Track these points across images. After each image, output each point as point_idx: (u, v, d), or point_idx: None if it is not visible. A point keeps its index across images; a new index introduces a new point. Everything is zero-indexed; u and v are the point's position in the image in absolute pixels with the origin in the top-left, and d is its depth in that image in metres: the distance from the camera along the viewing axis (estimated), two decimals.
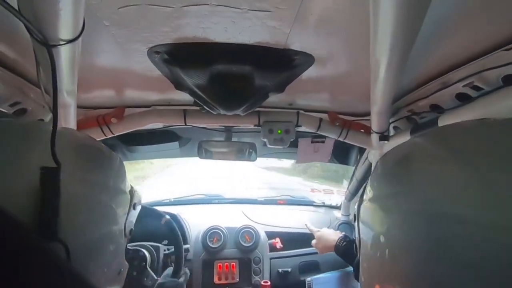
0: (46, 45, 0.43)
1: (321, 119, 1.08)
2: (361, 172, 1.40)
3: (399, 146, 0.45)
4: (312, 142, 1.30)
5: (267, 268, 1.50)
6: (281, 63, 0.69)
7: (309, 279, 1.44)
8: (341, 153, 1.48)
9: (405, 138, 0.84)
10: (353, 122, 1.10)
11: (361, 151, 1.39)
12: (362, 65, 0.68)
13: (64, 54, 0.50)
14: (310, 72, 0.75)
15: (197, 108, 1.00)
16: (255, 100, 0.84)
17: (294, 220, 1.68)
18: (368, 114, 0.88)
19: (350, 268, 1.42)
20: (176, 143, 1.37)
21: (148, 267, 1.20)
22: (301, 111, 1.09)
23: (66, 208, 0.38)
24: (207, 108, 0.88)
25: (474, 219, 0.29)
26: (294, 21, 0.54)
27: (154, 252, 1.29)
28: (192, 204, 1.84)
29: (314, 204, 1.90)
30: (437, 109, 0.76)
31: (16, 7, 0.39)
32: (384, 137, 0.92)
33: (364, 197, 0.48)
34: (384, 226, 0.39)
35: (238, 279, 1.46)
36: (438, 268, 0.31)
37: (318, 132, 1.10)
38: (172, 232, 1.18)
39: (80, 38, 0.48)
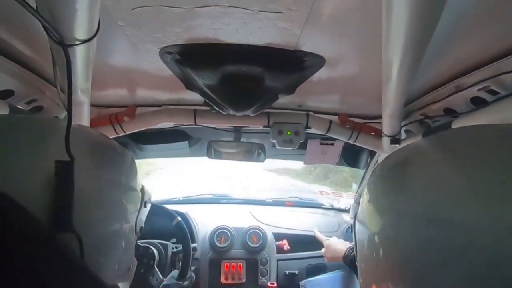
0: (63, 44, 0.44)
1: (331, 121, 1.08)
2: None
3: (398, 150, 0.45)
4: (321, 144, 1.29)
5: (274, 269, 1.49)
6: (292, 65, 0.69)
7: (302, 282, 1.42)
8: (351, 156, 1.46)
9: None
10: (364, 125, 1.08)
11: (372, 154, 1.37)
12: (374, 66, 0.67)
13: (79, 53, 0.51)
14: (321, 74, 0.74)
15: (207, 108, 1.01)
16: (264, 101, 0.84)
17: (302, 222, 1.67)
18: (379, 117, 0.87)
19: (345, 270, 1.40)
20: (186, 143, 1.38)
21: (155, 266, 1.21)
22: (311, 113, 1.09)
23: (79, 202, 0.39)
24: (217, 108, 0.89)
25: (472, 224, 0.29)
26: (305, 22, 0.54)
27: (163, 250, 1.30)
28: (200, 203, 1.85)
29: (323, 206, 1.88)
30: (451, 113, 0.74)
31: (35, 8, 0.40)
32: (395, 140, 0.91)
33: (362, 199, 0.48)
34: (379, 228, 0.40)
35: (244, 280, 1.46)
36: (435, 271, 0.31)
37: (328, 134, 1.09)
38: (181, 231, 1.19)
39: (95, 38, 0.49)
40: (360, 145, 1.10)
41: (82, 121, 0.76)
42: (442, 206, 0.32)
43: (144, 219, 0.60)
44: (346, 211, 1.80)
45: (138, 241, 0.64)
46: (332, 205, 1.87)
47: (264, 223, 1.62)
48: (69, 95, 0.42)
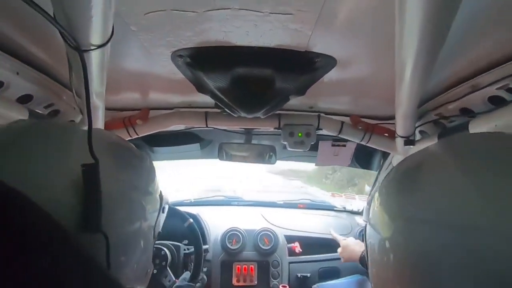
0: (79, 50, 0.46)
1: (343, 123, 1.06)
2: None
3: (413, 155, 0.45)
4: (332, 145, 1.28)
5: (286, 272, 1.48)
6: (302, 66, 0.69)
7: (315, 286, 1.41)
8: (364, 158, 1.44)
9: (432, 143, 0.80)
10: (377, 126, 1.06)
11: (385, 155, 1.35)
12: (386, 66, 0.66)
13: (94, 58, 0.52)
14: (332, 75, 0.74)
15: (218, 110, 1.02)
16: (275, 103, 0.84)
17: (314, 224, 1.66)
18: (393, 117, 0.85)
19: (359, 276, 1.38)
20: (197, 145, 1.39)
21: (168, 267, 1.22)
22: (322, 114, 1.08)
23: (102, 205, 0.39)
24: (228, 111, 0.89)
25: (487, 231, 0.28)
26: (316, 23, 0.53)
27: (175, 251, 1.32)
28: (211, 205, 1.86)
29: (335, 209, 1.86)
30: (467, 112, 0.72)
31: (53, 15, 0.42)
32: (409, 141, 0.89)
33: (373, 202, 0.48)
34: (391, 233, 0.39)
35: (256, 282, 1.45)
36: (447, 278, 0.31)
37: (340, 136, 1.08)
38: (193, 233, 1.20)
39: (109, 43, 0.50)
40: (373, 147, 1.08)
41: (98, 124, 0.78)
42: (455, 213, 0.31)
43: (161, 224, 0.60)
44: (359, 213, 1.77)
45: None
46: (344, 207, 1.85)
47: (275, 225, 1.61)
48: (87, 99, 0.43)
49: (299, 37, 0.58)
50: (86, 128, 0.40)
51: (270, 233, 1.52)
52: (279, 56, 0.65)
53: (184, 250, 1.36)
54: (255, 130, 1.21)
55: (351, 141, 1.13)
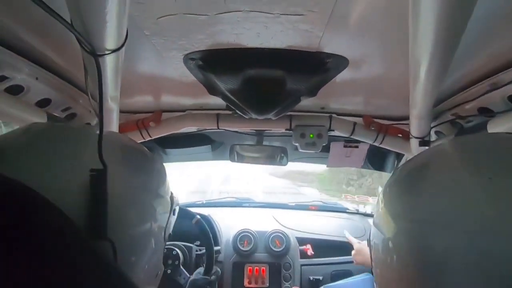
0: (94, 54, 0.47)
1: (355, 123, 1.05)
2: None
3: (418, 155, 0.45)
4: (344, 146, 1.26)
5: (298, 274, 1.47)
6: (314, 67, 0.69)
7: (322, 287, 1.39)
8: (377, 159, 1.41)
9: None
10: (390, 127, 1.04)
11: (399, 156, 1.32)
12: (400, 65, 0.65)
13: (109, 63, 0.53)
14: (344, 75, 0.73)
15: (230, 112, 1.02)
16: (287, 104, 0.84)
17: (326, 227, 1.64)
18: (407, 118, 0.83)
19: (367, 275, 1.34)
20: (208, 147, 1.40)
21: (181, 266, 1.24)
22: (334, 115, 1.06)
23: (112, 207, 0.40)
24: (239, 112, 0.89)
25: (490, 232, 0.29)
26: (327, 24, 0.53)
27: (187, 252, 1.33)
28: (223, 206, 1.87)
29: (348, 211, 1.83)
30: (486, 112, 0.70)
31: (69, 22, 0.43)
32: (424, 142, 0.87)
33: (377, 203, 0.48)
34: (393, 233, 0.40)
35: (268, 284, 1.44)
36: (448, 279, 0.31)
37: (352, 137, 1.07)
38: (203, 232, 1.21)
39: (124, 48, 0.51)
40: (386, 148, 1.06)
41: (112, 127, 0.80)
42: (459, 215, 0.31)
43: (172, 227, 0.60)
44: (372, 216, 1.74)
45: None
46: (357, 210, 1.82)
47: (287, 227, 1.60)
48: (100, 103, 0.45)
49: (310, 38, 0.58)
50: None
51: (281, 235, 1.51)
52: (290, 57, 0.64)
53: (196, 251, 1.37)
54: (266, 131, 1.21)
55: (364, 142, 1.12)
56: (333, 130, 1.07)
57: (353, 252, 1.28)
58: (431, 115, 0.78)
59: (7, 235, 0.24)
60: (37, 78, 0.67)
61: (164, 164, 0.59)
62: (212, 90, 0.82)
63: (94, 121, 0.91)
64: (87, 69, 0.57)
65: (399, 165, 1.30)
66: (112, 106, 0.74)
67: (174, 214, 0.60)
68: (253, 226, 1.55)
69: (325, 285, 1.37)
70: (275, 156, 1.25)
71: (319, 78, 0.74)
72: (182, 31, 0.57)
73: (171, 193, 0.60)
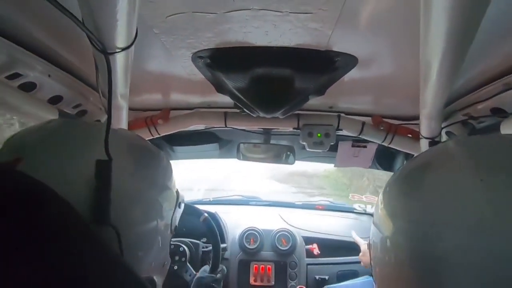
0: (105, 52, 0.48)
1: (363, 123, 1.04)
2: None
3: (420, 155, 0.45)
4: (352, 146, 1.25)
5: (304, 274, 1.47)
6: (322, 65, 0.68)
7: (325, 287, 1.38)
8: (385, 159, 1.40)
9: None
10: (400, 126, 1.03)
11: (408, 157, 1.30)
12: (410, 65, 0.64)
13: (119, 60, 0.54)
14: (353, 74, 0.72)
15: (237, 110, 1.03)
16: (295, 103, 0.84)
17: (333, 226, 1.63)
18: (417, 118, 0.82)
19: (368, 278, 1.33)
20: (216, 145, 1.41)
21: (187, 262, 1.25)
22: (342, 114, 1.06)
23: (119, 200, 0.42)
24: (247, 111, 0.89)
25: (490, 232, 0.29)
26: (337, 22, 0.52)
27: (194, 249, 1.34)
28: (229, 204, 1.88)
29: (355, 211, 1.81)
30: (499, 112, 0.68)
31: (81, 20, 0.44)
32: (435, 143, 0.85)
33: (377, 202, 0.48)
34: (390, 232, 0.40)
35: (273, 282, 1.45)
36: (442, 277, 0.31)
37: (361, 136, 1.06)
38: (211, 230, 1.22)
39: (133, 46, 0.52)
40: (395, 148, 1.05)
41: (121, 124, 0.81)
42: (459, 215, 0.32)
43: (178, 219, 0.62)
44: None
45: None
46: (365, 210, 1.80)
47: (293, 226, 1.60)
48: (109, 100, 0.46)
49: (319, 36, 0.58)
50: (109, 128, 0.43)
51: (287, 234, 1.51)
52: (299, 56, 0.64)
53: (203, 248, 1.38)
54: (273, 130, 1.21)
55: (372, 142, 1.10)
56: (341, 130, 1.06)
57: (360, 254, 1.27)
58: (442, 115, 0.77)
59: (15, 223, 0.25)
60: (49, 76, 0.69)
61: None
62: (220, 88, 0.82)
63: (104, 118, 0.92)
64: (98, 67, 0.58)
65: None
66: (122, 104, 0.75)
67: (179, 207, 0.62)
68: (260, 225, 1.55)
69: (328, 286, 1.37)
70: (282, 155, 1.24)
71: (328, 77, 0.73)
72: (191, 30, 0.58)
73: (177, 189, 0.62)
